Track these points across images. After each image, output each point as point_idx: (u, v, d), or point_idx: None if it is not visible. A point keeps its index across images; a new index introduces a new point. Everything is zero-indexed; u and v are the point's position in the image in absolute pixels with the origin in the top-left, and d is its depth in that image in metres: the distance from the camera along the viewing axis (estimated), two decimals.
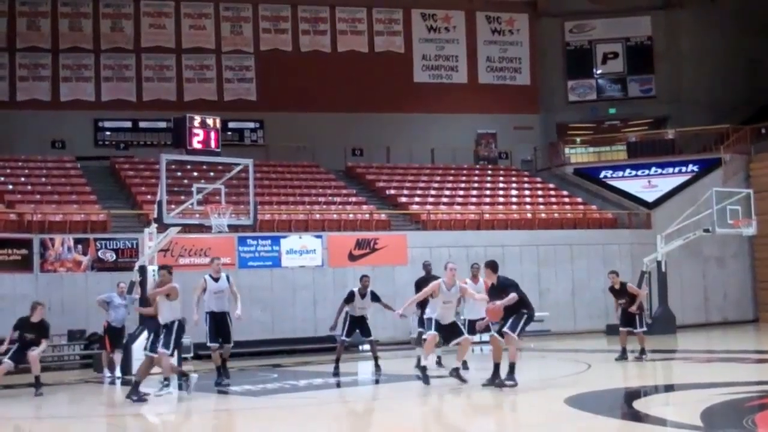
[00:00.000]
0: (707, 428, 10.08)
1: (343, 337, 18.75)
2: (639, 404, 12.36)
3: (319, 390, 16.07)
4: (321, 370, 20.43)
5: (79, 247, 25.03)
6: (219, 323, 16.84)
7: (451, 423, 12.08)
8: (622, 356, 19.26)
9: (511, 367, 14.37)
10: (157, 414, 13.14)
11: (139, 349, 20.17)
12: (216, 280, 16.94)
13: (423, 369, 15.18)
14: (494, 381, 14.40)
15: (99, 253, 25.14)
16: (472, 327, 16.62)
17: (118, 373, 19.53)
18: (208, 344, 16.96)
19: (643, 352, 19.24)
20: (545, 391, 14.00)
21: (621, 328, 19.56)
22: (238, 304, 16.86)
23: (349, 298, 18.67)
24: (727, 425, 10.64)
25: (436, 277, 17.73)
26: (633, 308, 19.27)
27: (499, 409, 13.35)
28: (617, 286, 19.55)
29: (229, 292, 16.93)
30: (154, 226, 20.51)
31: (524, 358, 16.16)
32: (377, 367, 18.67)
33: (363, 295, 18.71)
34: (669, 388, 15.53)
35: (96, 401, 16.66)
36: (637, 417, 11.37)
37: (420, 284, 18.44)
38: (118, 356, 19.70)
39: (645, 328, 19.71)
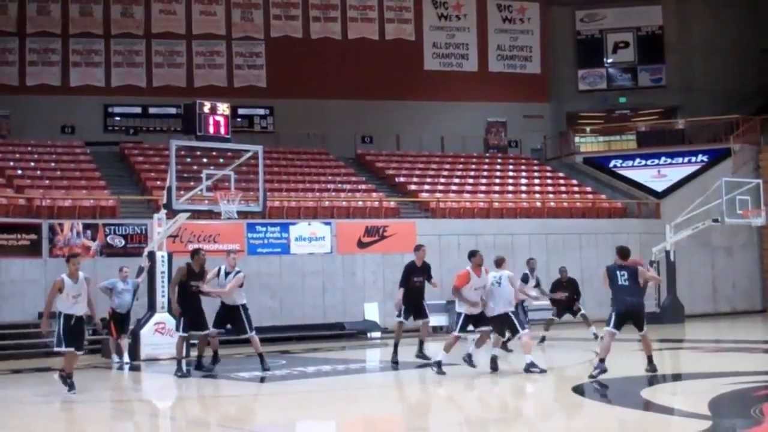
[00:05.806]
0: (715, 417, 10.08)
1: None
2: (646, 393, 12.36)
3: (327, 377, 16.09)
4: (330, 356, 20.46)
5: (88, 232, 25.07)
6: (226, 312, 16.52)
7: (455, 411, 12.09)
8: None
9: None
10: (163, 398, 13.16)
11: (147, 334, 20.29)
12: (227, 274, 16.45)
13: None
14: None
15: (108, 239, 25.17)
16: None
17: (126, 358, 19.59)
18: (211, 330, 16.55)
19: None
20: (552, 380, 13.98)
21: None
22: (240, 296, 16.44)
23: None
24: (735, 414, 10.64)
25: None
26: None
27: (506, 397, 13.36)
28: None
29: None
30: (163, 211, 20.55)
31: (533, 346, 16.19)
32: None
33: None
34: (677, 377, 15.52)
35: (103, 386, 16.70)
36: (644, 405, 11.37)
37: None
38: (125, 341, 19.75)
39: None
